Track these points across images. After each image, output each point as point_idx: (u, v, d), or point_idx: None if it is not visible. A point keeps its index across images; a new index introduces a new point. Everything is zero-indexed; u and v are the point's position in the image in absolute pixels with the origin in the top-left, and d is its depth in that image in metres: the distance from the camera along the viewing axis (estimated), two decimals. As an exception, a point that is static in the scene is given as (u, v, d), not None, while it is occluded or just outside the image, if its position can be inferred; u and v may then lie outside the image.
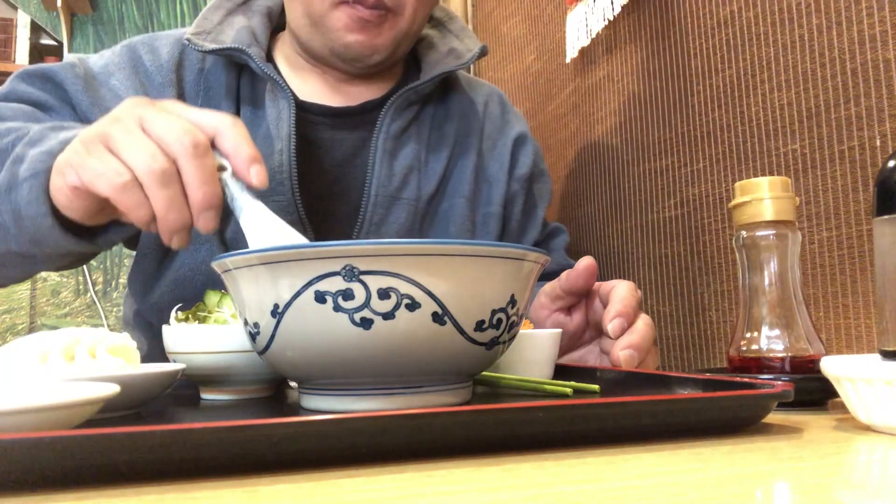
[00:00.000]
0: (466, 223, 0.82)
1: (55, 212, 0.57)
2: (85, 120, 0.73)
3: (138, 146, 0.50)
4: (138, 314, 0.83)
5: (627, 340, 0.58)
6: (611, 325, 0.59)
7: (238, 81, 0.78)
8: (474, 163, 0.85)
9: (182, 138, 0.50)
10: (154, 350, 0.82)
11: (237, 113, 0.77)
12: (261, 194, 0.73)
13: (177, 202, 0.50)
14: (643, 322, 0.60)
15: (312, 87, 0.82)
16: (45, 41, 3.21)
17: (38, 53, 3.18)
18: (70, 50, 3.12)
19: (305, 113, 0.80)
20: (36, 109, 0.73)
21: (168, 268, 0.76)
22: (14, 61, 3.09)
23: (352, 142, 0.81)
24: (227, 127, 0.52)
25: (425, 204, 0.81)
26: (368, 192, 0.77)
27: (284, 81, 0.75)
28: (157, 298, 0.76)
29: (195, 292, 0.72)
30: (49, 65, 0.76)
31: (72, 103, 0.75)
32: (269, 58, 0.83)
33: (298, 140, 0.77)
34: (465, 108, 0.87)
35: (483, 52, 0.84)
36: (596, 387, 0.51)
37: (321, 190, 0.78)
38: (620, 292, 0.61)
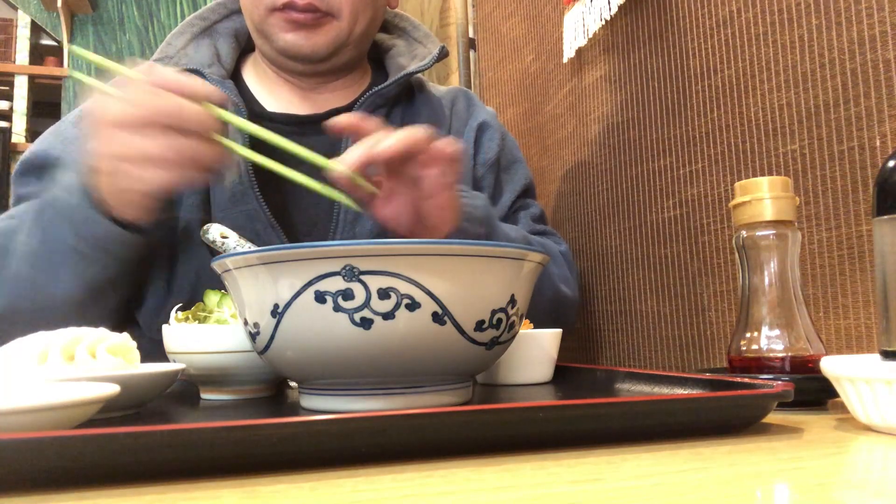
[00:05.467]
0: None
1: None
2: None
3: (111, 135, 0.57)
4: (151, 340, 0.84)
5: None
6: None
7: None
8: None
9: (137, 99, 0.56)
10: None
11: None
12: (229, 205, 0.77)
13: (180, 140, 0.55)
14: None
15: (281, 99, 0.86)
16: (45, 41, 3.21)
17: (38, 53, 3.18)
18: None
19: (273, 123, 0.83)
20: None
21: (174, 286, 0.77)
22: (14, 61, 3.09)
23: (321, 148, 0.83)
24: (152, 73, 0.57)
25: None
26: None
27: (238, 96, 0.79)
28: (164, 316, 0.77)
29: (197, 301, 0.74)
30: (39, 149, 0.79)
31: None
32: (238, 76, 0.87)
33: (266, 149, 0.79)
34: (434, 108, 0.90)
35: (441, 54, 0.87)
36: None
37: (293, 195, 0.81)
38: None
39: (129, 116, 0.56)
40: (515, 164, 0.94)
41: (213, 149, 0.57)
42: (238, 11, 0.88)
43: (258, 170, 0.77)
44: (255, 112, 0.83)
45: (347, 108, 0.84)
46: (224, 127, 0.59)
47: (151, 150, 0.56)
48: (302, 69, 0.83)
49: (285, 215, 0.79)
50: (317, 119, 0.84)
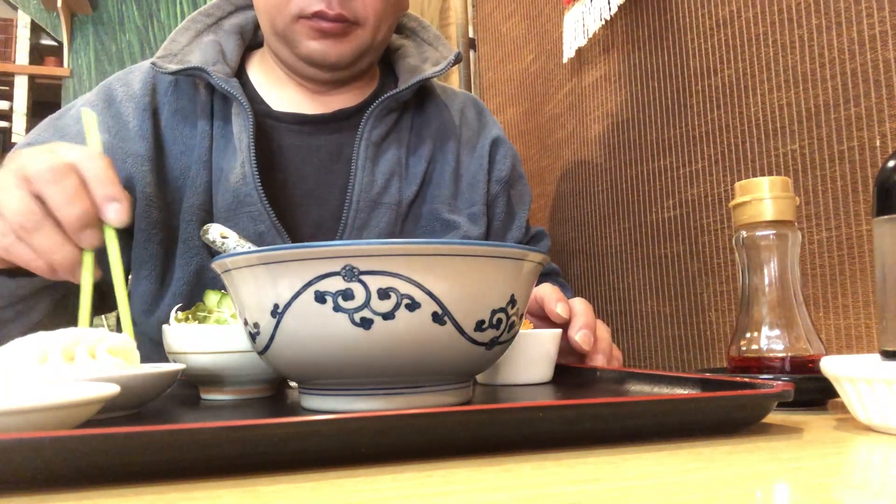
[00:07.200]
0: (446, 225, 0.83)
1: None
2: None
3: (10, 200, 0.53)
4: (139, 335, 0.84)
5: (585, 331, 0.65)
6: (578, 336, 0.64)
7: (212, 99, 0.80)
8: (453, 167, 0.86)
9: (41, 172, 0.53)
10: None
11: (210, 129, 0.79)
12: (233, 206, 0.76)
13: (54, 243, 0.53)
14: (602, 328, 0.68)
15: (288, 98, 0.84)
16: (45, 41, 3.21)
17: (38, 53, 3.18)
18: (70, 50, 3.12)
19: (279, 122, 0.82)
20: None
21: (169, 285, 0.77)
22: (14, 61, 3.09)
23: (328, 148, 0.83)
24: (86, 160, 0.55)
25: (406, 207, 0.83)
26: (350, 198, 0.79)
27: (244, 96, 0.77)
28: (160, 314, 0.77)
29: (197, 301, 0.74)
30: (35, 140, 0.78)
31: None
32: (243, 74, 0.85)
33: (273, 149, 0.80)
34: (443, 114, 0.89)
35: (458, 59, 0.86)
36: None
37: (299, 197, 0.80)
38: (579, 307, 0.66)
39: (26, 178, 0.53)
40: (521, 179, 0.94)
41: (70, 256, 0.55)
42: (243, 7, 0.87)
43: (263, 171, 0.77)
44: (261, 111, 0.82)
45: (357, 109, 0.84)
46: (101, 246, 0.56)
47: (20, 220, 0.53)
48: (323, 76, 0.82)
49: (290, 218, 0.78)
50: (324, 119, 0.83)
